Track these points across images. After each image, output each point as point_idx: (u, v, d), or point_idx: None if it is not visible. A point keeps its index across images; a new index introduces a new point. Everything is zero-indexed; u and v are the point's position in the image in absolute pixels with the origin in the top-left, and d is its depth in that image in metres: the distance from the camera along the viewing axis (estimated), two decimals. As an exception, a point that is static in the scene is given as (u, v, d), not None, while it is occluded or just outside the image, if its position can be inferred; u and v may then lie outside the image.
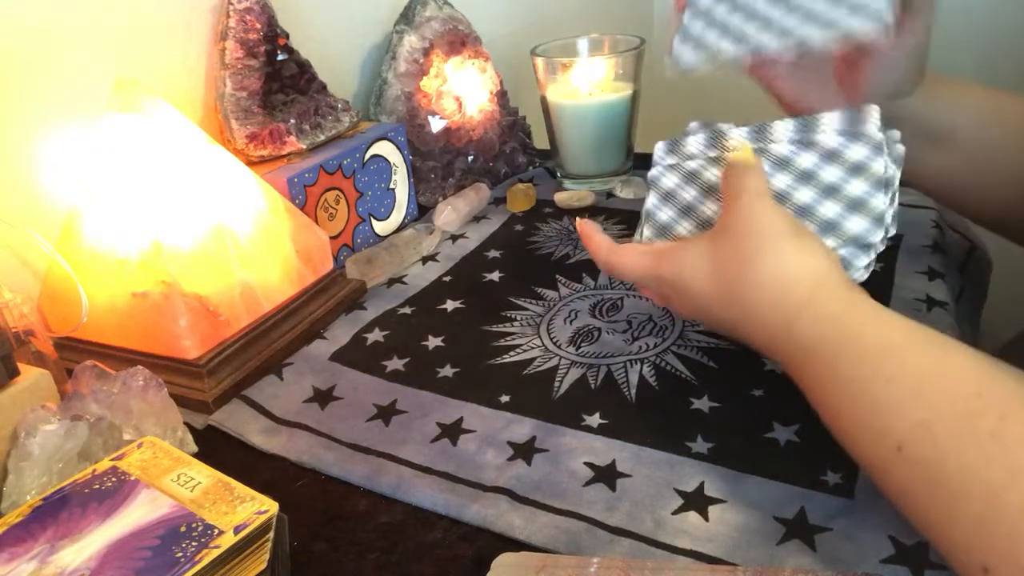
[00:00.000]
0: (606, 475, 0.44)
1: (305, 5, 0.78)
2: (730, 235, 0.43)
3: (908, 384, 0.35)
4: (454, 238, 0.75)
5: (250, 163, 0.65)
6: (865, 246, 0.46)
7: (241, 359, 0.56)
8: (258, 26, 0.67)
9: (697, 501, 0.42)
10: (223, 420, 0.52)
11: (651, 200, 0.52)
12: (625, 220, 0.75)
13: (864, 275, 0.47)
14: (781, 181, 0.48)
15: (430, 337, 0.59)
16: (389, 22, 0.84)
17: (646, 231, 0.51)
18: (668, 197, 0.51)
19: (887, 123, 0.49)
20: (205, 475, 0.40)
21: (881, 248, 0.47)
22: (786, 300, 0.41)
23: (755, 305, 0.42)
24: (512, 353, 0.57)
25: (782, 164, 0.48)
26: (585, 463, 0.45)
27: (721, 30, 0.50)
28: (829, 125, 0.49)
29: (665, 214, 0.51)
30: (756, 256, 0.42)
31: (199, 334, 0.53)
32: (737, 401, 0.49)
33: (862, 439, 0.36)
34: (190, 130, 0.57)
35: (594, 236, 0.50)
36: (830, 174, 0.47)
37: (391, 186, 0.76)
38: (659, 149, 0.53)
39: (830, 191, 0.47)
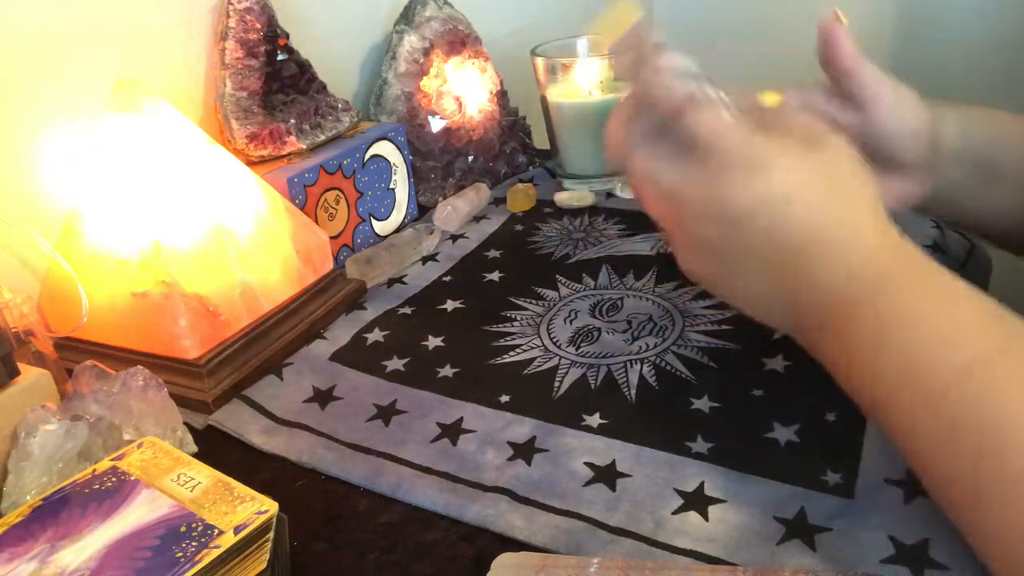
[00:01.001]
0: (606, 475, 0.44)
1: (305, 5, 0.78)
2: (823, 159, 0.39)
3: (972, 319, 0.35)
4: (454, 238, 0.75)
5: (250, 163, 0.65)
6: None
7: (241, 359, 0.56)
8: (258, 26, 0.67)
9: (697, 501, 0.42)
10: (223, 420, 0.52)
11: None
12: (625, 220, 0.75)
13: None
14: None
15: (430, 337, 0.59)
16: (389, 22, 0.84)
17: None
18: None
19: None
20: (205, 475, 0.40)
21: None
22: (866, 235, 0.38)
23: (839, 230, 0.38)
24: (512, 353, 0.57)
25: None
26: (585, 463, 0.45)
27: None
28: None
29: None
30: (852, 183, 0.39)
31: (199, 334, 0.53)
32: (737, 401, 0.49)
33: (921, 371, 0.35)
34: (190, 130, 0.57)
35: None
36: None
37: (391, 186, 0.76)
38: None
39: None
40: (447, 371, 0.55)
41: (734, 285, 0.41)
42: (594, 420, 0.49)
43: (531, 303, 0.63)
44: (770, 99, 0.44)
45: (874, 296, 0.37)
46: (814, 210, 0.38)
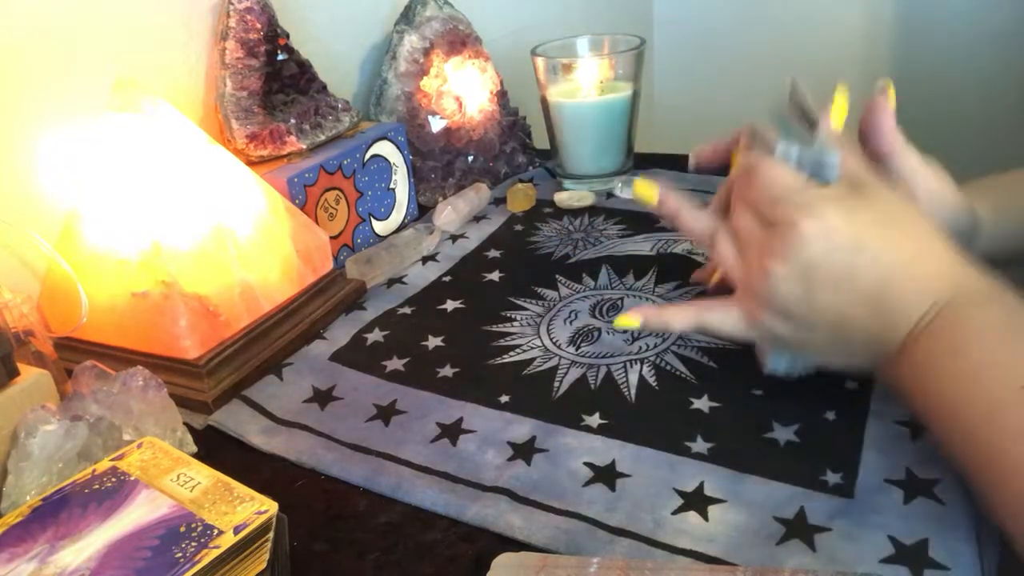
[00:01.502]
0: (606, 475, 0.44)
1: (305, 5, 0.78)
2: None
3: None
4: (454, 238, 0.75)
5: (250, 163, 0.65)
6: None
7: (241, 359, 0.56)
8: (258, 26, 0.67)
9: (697, 501, 0.42)
10: (223, 420, 0.52)
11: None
12: (625, 220, 0.75)
13: None
14: None
15: (430, 337, 0.59)
16: (389, 22, 0.84)
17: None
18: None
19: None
20: (205, 475, 0.40)
21: None
22: (938, 266, 0.41)
23: (914, 268, 0.41)
24: (512, 353, 0.57)
25: None
26: (585, 463, 0.45)
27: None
28: None
29: None
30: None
31: (199, 334, 0.53)
32: (737, 401, 0.49)
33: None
34: (190, 130, 0.57)
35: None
36: None
37: (391, 186, 0.76)
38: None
39: None
40: (447, 371, 0.55)
41: (812, 342, 0.44)
42: (594, 420, 0.49)
43: (531, 303, 0.63)
44: (840, 101, 0.44)
45: (942, 324, 0.39)
46: (881, 256, 0.40)
